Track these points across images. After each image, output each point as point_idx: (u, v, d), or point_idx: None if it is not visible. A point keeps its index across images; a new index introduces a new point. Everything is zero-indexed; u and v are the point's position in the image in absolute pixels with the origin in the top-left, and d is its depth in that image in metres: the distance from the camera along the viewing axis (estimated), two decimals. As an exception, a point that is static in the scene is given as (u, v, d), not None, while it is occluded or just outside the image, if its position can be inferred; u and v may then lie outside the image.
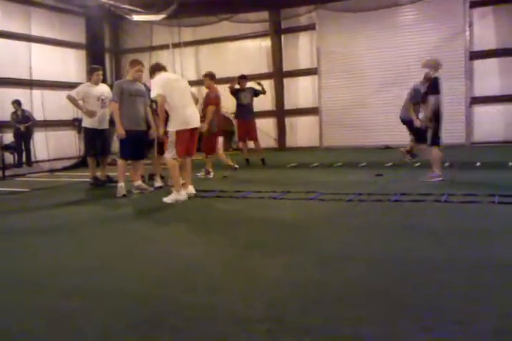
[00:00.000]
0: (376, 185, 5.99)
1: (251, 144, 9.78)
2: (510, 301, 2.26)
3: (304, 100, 13.66)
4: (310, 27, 13.35)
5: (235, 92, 9.37)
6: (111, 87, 8.65)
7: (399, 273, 2.74)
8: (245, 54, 14.06)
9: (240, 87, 9.38)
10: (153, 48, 14.19)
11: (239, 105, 9.47)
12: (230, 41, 14.32)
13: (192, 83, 16.01)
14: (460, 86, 11.84)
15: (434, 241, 3.40)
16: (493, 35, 11.68)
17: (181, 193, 5.52)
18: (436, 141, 6.08)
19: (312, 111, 13.41)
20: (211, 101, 7.59)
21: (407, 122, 7.78)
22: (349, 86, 12.75)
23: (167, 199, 5.49)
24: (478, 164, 7.64)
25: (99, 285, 2.75)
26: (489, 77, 11.69)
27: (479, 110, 11.97)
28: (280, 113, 13.56)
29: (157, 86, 5.42)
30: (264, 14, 13.53)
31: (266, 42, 13.79)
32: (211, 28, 13.71)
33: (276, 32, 13.50)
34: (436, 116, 6.03)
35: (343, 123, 12.85)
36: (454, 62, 11.88)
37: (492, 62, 11.67)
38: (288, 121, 13.82)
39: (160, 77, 5.56)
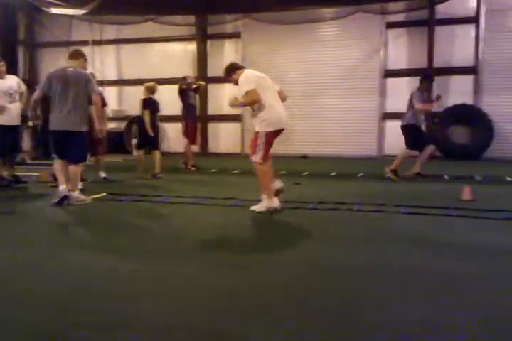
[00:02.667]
0: (294, 192, 6.16)
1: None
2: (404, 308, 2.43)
3: (227, 107, 13.69)
4: (236, 35, 13.52)
5: (183, 92, 9.26)
6: (25, 81, 8.13)
7: (314, 278, 2.83)
8: (170, 57, 13.90)
9: (187, 86, 9.28)
10: (71, 44, 13.56)
11: (189, 105, 9.35)
12: (154, 42, 14.09)
13: (112, 83, 15.50)
14: (374, 101, 12.60)
15: (336, 247, 3.56)
16: (405, 56, 12.57)
17: (274, 200, 4.95)
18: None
19: (235, 118, 13.53)
20: None
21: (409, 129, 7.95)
22: (272, 95, 13.04)
23: (257, 208, 4.90)
24: (387, 175, 8.13)
25: None
26: (400, 94, 12.52)
27: (390, 125, 12.76)
28: (203, 118, 13.54)
29: (249, 81, 4.86)
30: (191, 18, 13.48)
31: (192, 47, 13.73)
32: (135, 28, 13.40)
33: (202, 37, 13.50)
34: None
35: (264, 131, 13.08)
36: (369, 78, 12.65)
37: (403, 81, 12.53)
38: (211, 126, 13.84)
39: (249, 73, 5.01)
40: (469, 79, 12.02)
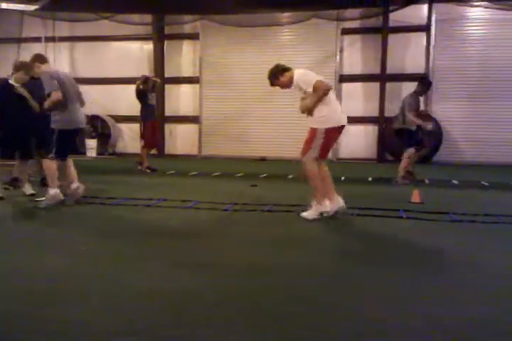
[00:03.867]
0: (251, 195, 6.19)
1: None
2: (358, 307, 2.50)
3: (184, 108, 13.66)
4: (194, 36, 13.45)
5: (142, 92, 9.07)
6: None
7: (267, 281, 2.86)
8: (126, 56, 13.66)
9: (144, 87, 9.10)
10: (22, 40, 13.08)
11: (148, 106, 9.18)
12: (110, 41, 13.80)
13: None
14: (330, 105, 12.83)
15: (286, 249, 3.61)
16: (360, 62, 12.89)
17: (325, 204, 4.58)
18: None
19: (193, 119, 13.45)
20: None
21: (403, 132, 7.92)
22: (230, 97, 13.05)
23: (308, 215, 4.61)
24: (342, 178, 8.31)
25: None
26: (354, 99, 12.84)
27: (346, 129, 13.04)
28: (160, 119, 13.39)
29: (310, 74, 4.60)
30: (148, 17, 13.31)
31: (148, 46, 13.54)
32: (90, 25, 13.08)
33: (159, 37, 13.34)
34: None
35: (222, 133, 13.09)
36: (325, 82, 12.84)
37: (357, 86, 12.85)
38: (168, 127, 13.69)
39: (302, 70, 4.71)
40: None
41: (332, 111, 4.56)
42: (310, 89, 4.42)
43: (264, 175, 8.69)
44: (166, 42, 13.53)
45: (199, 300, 2.52)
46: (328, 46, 12.83)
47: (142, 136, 9.27)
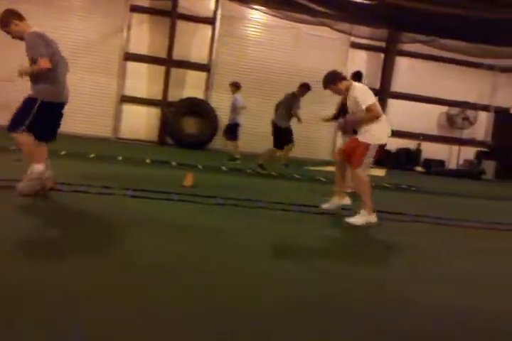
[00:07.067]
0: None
1: None
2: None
3: None
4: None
5: None
6: None
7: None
8: None
9: None
10: None
11: None
12: None
13: None
14: (113, 83, 12.46)
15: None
16: (147, 43, 12.81)
17: (373, 215, 4.69)
18: None
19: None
20: None
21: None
22: None
23: (356, 221, 4.64)
24: (120, 158, 8.20)
25: None
26: (139, 79, 12.74)
27: (128, 108, 12.86)
28: None
29: (371, 94, 4.80)
30: None
31: None
32: None
33: None
34: None
35: None
36: (109, 59, 12.42)
37: (143, 67, 12.78)
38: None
39: (362, 85, 4.94)
40: (203, 75, 13.12)
41: (382, 130, 4.85)
42: (363, 106, 4.69)
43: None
44: None
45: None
46: (115, 21, 12.42)
47: None
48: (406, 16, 12.33)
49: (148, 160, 8.52)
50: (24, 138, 4.32)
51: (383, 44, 14.11)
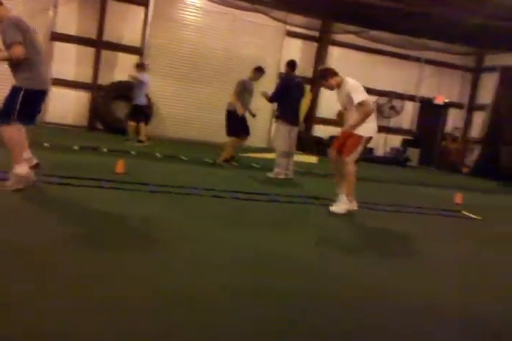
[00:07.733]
0: None
1: None
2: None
3: None
4: None
5: None
6: None
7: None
8: None
9: None
10: None
11: None
12: None
13: None
14: (39, 64, 11.78)
15: None
16: (75, 22, 12.20)
17: (354, 203, 5.05)
18: None
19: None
20: None
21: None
22: None
23: (337, 209, 4.96)
24: (46, 145, 7.81)
25: None
26: (67, 61, 12.13)
27: (55, 91, 12.21)
28: None
29: (363, 90, 4.98)
30: None
31: None
32: None
33: None
34: None
35: None
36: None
37: (71, 48, 12.18)
38: None
39: (357, 82, 5.03)
40: (135, 58, 12.71)
41: (374, 124, 5.12)
42: (355, 102, 4.86)
43: None
44: None
45: None
46: (41, -2, 11.66)
47: None
48: (338, 7, 12.60)
49: (76, 147, 8.18)
50: (11, 132, 4.26)
51: (317, 34, 14.35)
